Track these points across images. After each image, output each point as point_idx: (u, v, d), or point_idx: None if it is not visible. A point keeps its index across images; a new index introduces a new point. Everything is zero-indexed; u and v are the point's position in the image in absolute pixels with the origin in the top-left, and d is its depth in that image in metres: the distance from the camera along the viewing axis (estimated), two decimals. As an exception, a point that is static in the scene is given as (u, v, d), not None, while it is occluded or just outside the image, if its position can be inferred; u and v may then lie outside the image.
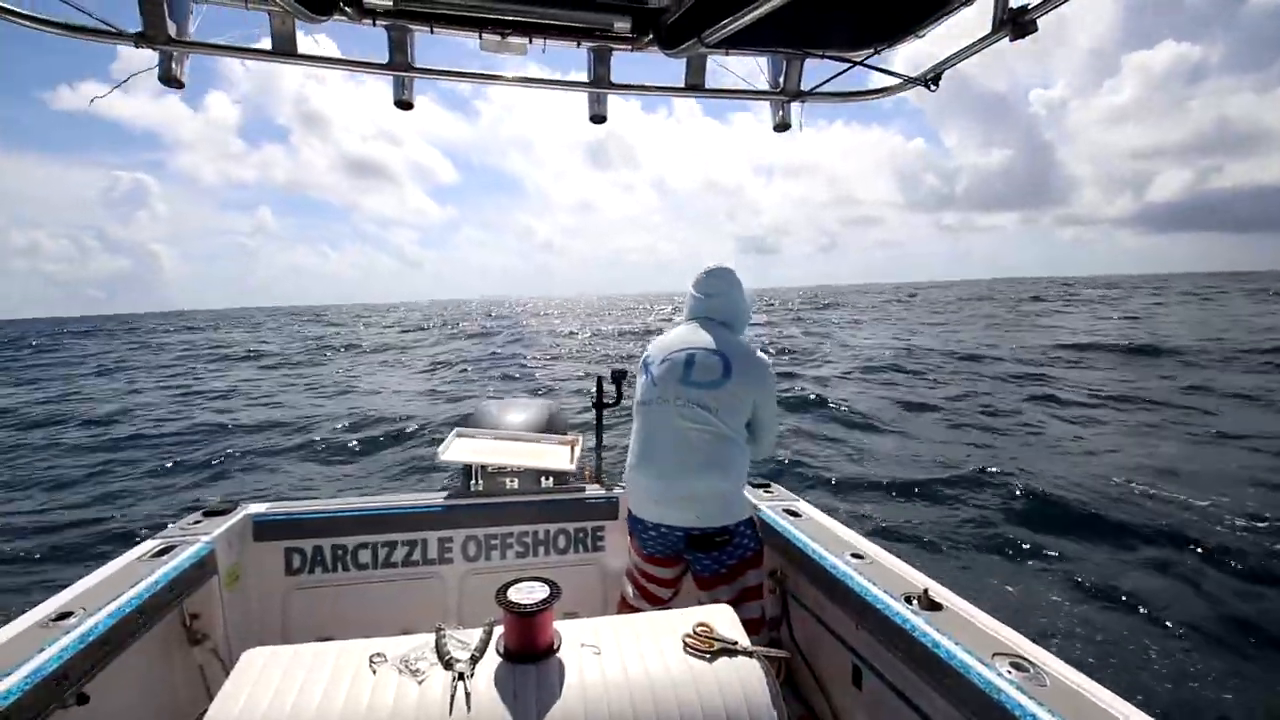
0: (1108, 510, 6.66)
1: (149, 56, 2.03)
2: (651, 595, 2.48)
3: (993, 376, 15.68)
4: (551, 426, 4.04)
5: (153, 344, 43.76)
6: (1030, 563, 5.73)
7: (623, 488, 2.88)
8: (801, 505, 2.66)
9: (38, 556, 6.47)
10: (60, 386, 21.36)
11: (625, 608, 2.52)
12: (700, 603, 2.30)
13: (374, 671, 1.37)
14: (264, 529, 2.52)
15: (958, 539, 6.19)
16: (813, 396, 13.41)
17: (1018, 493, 7.20)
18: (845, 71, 2.20)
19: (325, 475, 9.06)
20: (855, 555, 2.18)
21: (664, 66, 2.40)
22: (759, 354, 2.35)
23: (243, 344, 38.75)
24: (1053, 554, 5.84)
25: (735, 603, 2.24)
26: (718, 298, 2.44)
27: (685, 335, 2.38)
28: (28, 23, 1.87)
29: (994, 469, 7.99)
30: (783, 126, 2.44)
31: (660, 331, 2.60)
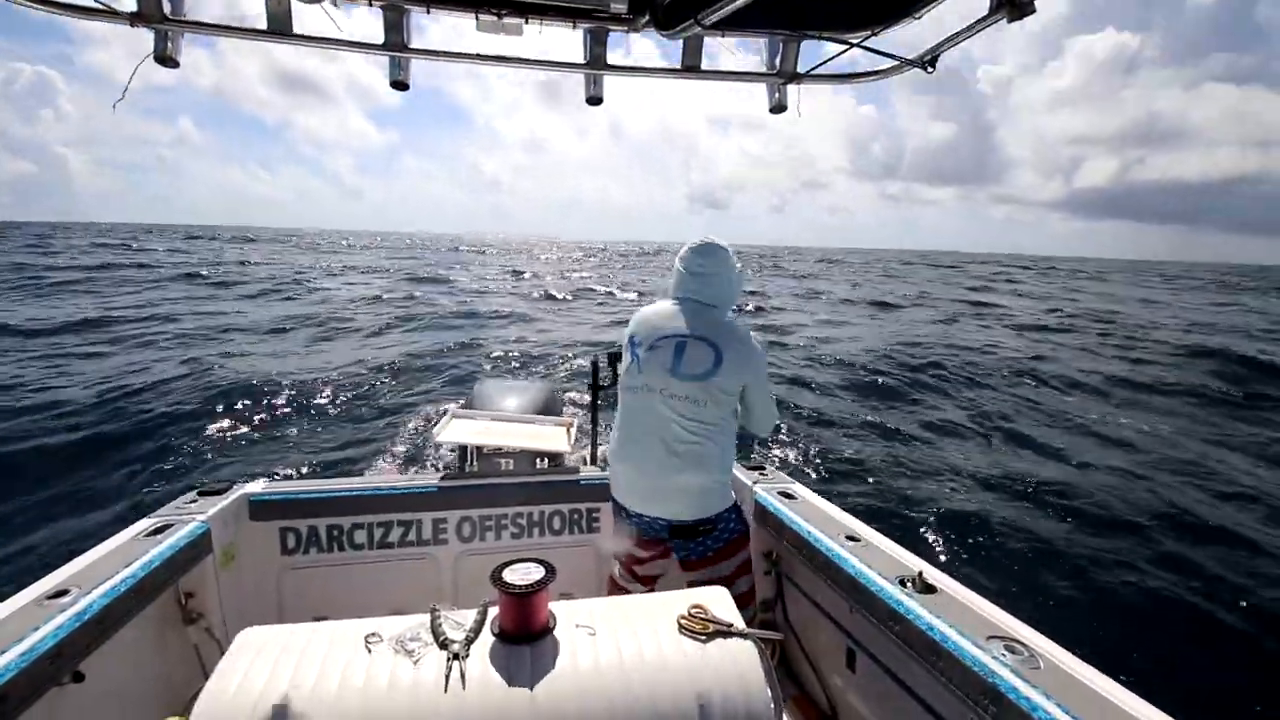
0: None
1: (144, 35, 2.01)
2: (638, 575, 2.49)
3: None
4: (548, 408, 4.05)
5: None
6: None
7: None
8: (796, 488, 2.68)
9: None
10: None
11: (614, 587, 2.54)
12: (688, 583, 2.31)
13: (369, 651, 1.37)
14: (259, 509, 2.52)
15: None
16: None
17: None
18: (842, 53, 2.19)
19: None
20: (850, 538, 2.19)
21: (661, 48, 2.35)
22: (749, 337, 2.27)
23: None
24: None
25: (722, 580, 2.26)
26: (707, 277, 2.32)
27: (673, 318, 2.28)
28: (22, 2, 1.85)
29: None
30: (779, 108, 2.42)
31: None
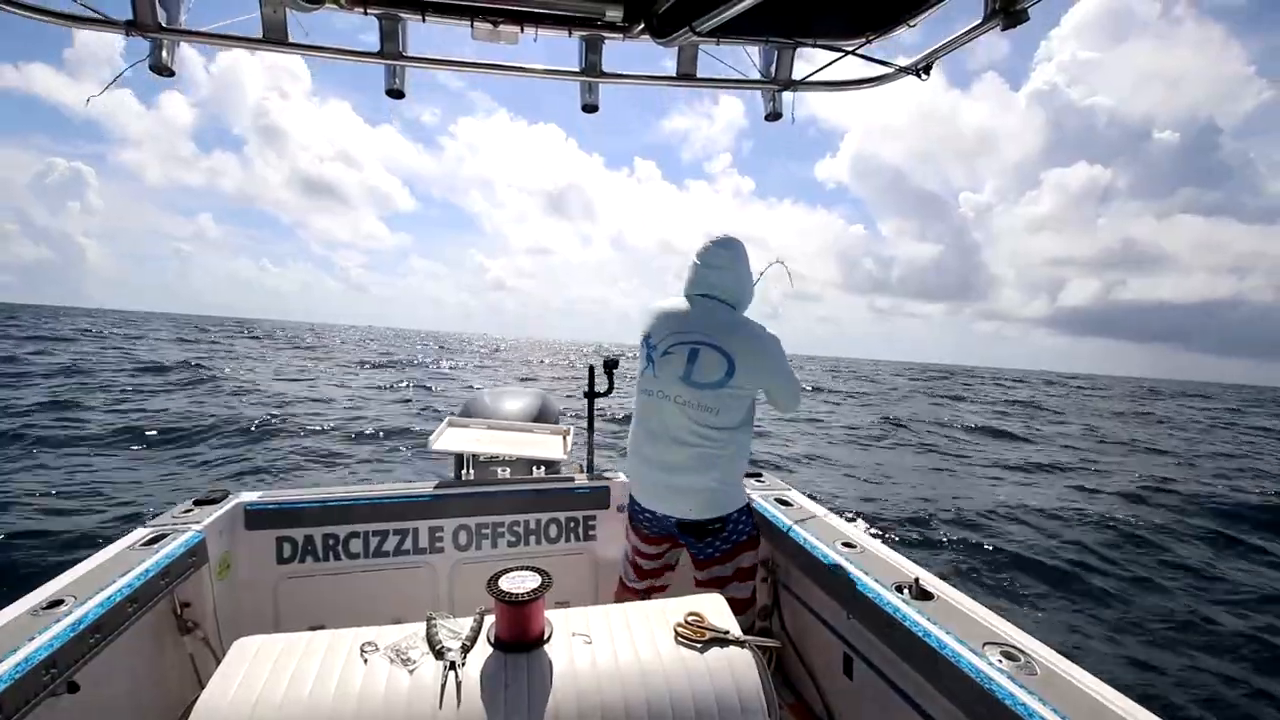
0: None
1: (139, 45, 2.01)
2: (646, 572, 2.48)
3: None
4: (544, 416, 4.04)
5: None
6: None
7: (613, 477, 2.89)
8: (793, 494, 2.67)
9: None
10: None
11: (624, 590, 2.53)
12: (696, 580, 2.31)
13: (365, 661, 1.37)
14: (255, 518, 2.51)
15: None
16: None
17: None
18: (837, 61, 2.20)
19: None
20: (846, 544, 2.19)
21: (656, 56, 2.36)
22: (763, 336, 2.22)
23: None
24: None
25: (727, 581, 2.26)
26: (723, 271, 2.26)
27: (686, 317, 2.24)
28: (19, 10, 1.85)
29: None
30: (774, 116, 2.43)
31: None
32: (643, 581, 2.49)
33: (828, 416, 21.62)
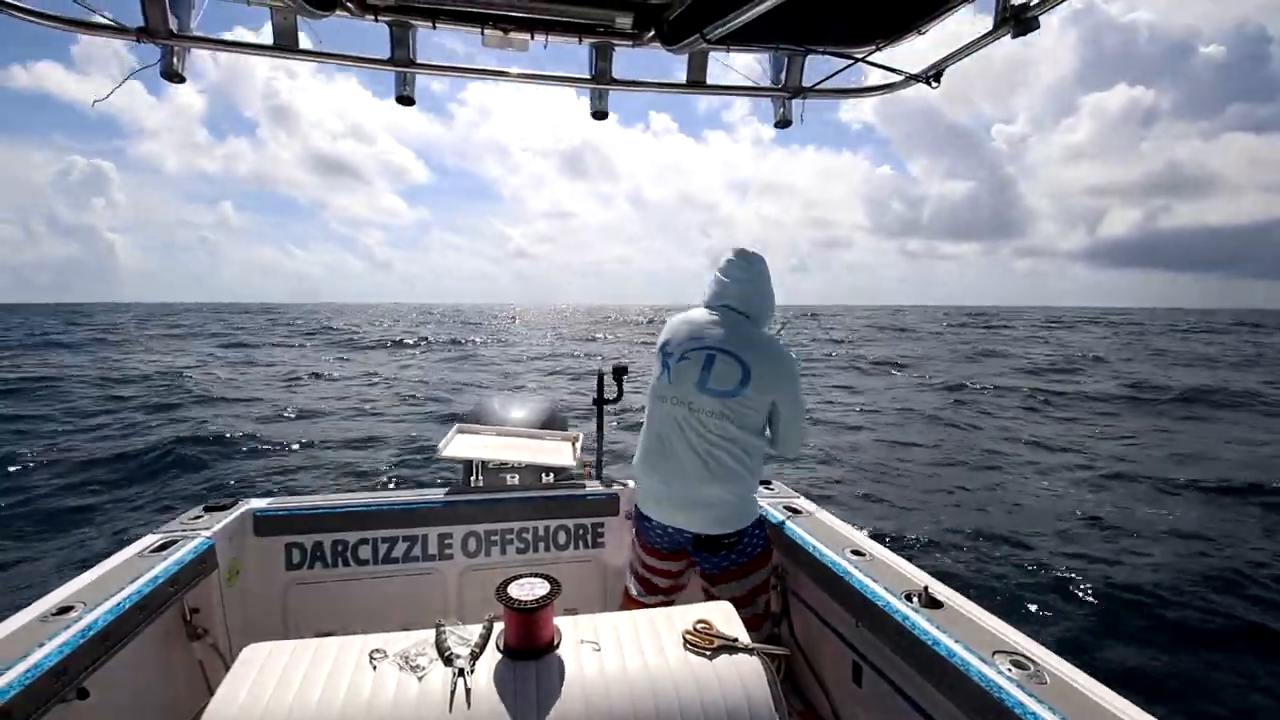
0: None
1: (151, 52, 2.03)
2: (655, 587, 2.44)
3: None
4: (552, 423, 4.04)
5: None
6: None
7: (623, 484, 2.88)
8: (802, 502, 2.67)
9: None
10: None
11: (630, 603, 2.50)
12: (708, 596, 2.29)
13: (374, 667, 1.37)
14: (264, 524, 2.52)
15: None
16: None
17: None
18: (847, 68, 2.20)
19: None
20: (855, 552, 2.18)
21: (666, 63, 2.37)
22: (782, 353, 2.22)
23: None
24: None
25: (741, 598, 2.23)
26: (743, 284, 2.27)
27: (705, 327, 2.24)
28: (31, 18, 1.86)
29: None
30: (784, 123, 2.43)
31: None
32: (653, 597, 2.44)
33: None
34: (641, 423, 2.40)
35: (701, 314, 2.30)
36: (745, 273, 2.28)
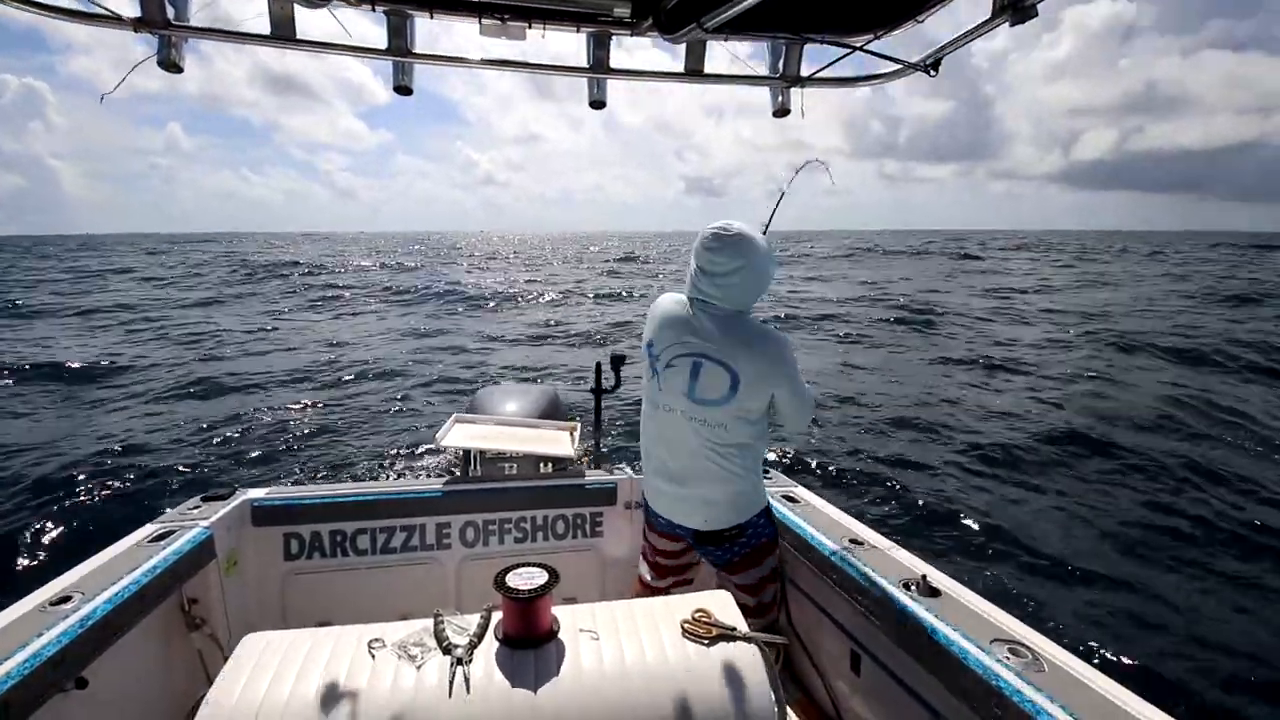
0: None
1: (147, 41, 2.02)
2: (665, 569, 2.41)
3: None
4: (551, 412, 4.05)
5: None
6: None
7: (622, 473, 2.89)
8: (799, 491, 2.67)
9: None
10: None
11: (644, 589, 2.47)
12: (719, 584, 2.30)
13: (372, 656, 1.37)
14: (262, 514, 2.52)
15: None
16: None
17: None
18: (845, 57, 2.19)
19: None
20: (853, 541, 2.19)
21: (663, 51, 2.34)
22: (769, 346, 2.06)
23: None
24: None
25: (752, 586, 2.23)
26: (724, 276, 2.04)
27: (687, 328, 2.09)
28: (24, 6, 1.85)
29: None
30: (782, 112, 2.42)
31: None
32: (665, 579, 2.42)
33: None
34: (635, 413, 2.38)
35: (682, 310, 2.14)
36: (725, 262, 2.03)
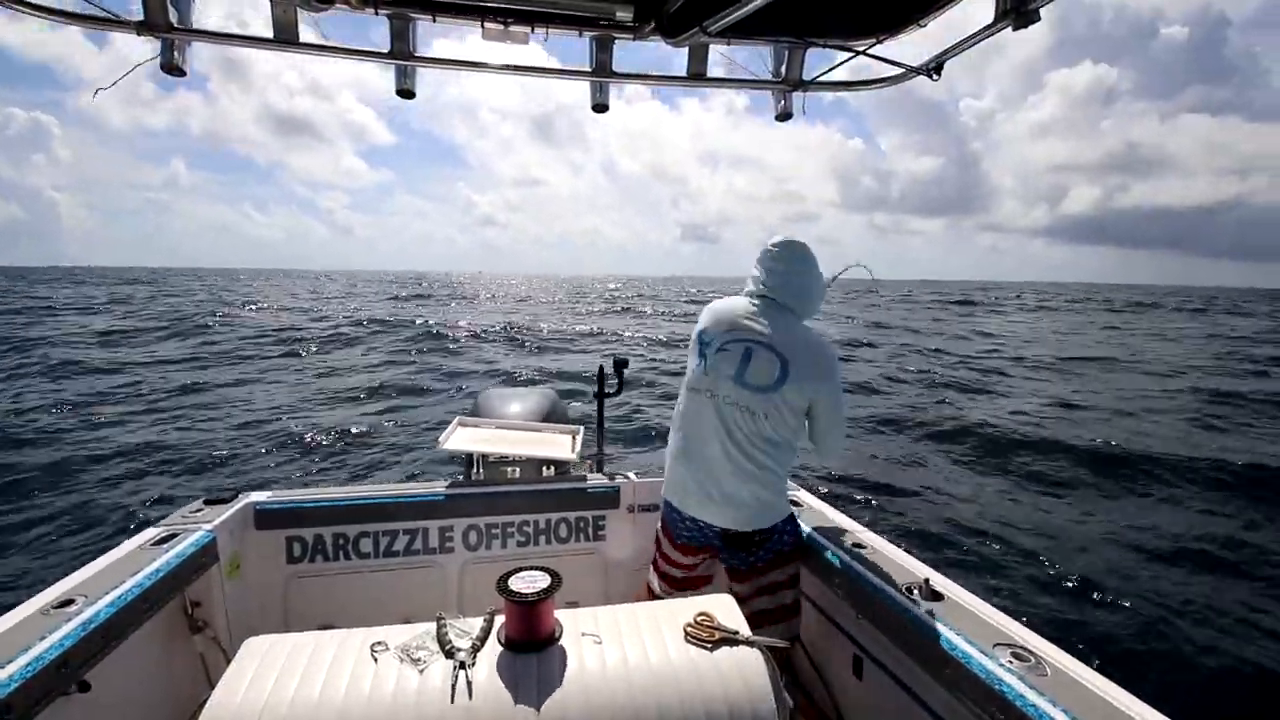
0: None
1: (151, 44, 2.02)
2: (676, 581, 2.39)
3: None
4: (553, 416, 4.04)
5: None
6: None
7: (624, 477, 2.88)
8: (802, 495, 2.67)
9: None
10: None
11: (651, 599, 2.43)
12: (732, 594, 2.29)
13: (375, 660, 1.37)
14: (265, 518, 2.52)
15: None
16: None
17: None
18: (847, 61, 2.20)
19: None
20: (856, 545, 2.18)
21: (667, 56, 2.35)
22: (824, 351, 2.13)
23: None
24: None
25: (765, 586, 2.23)
26: (784, 275, 2.17)
27: (745, 318, 2.16)
28: (28, 10, 1.86)
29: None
30: (784, 116, 2.43)
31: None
32: (676, 593, 2.36)
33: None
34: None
35: (743, 303, 2.22)
36: (785, 263, 2.18)
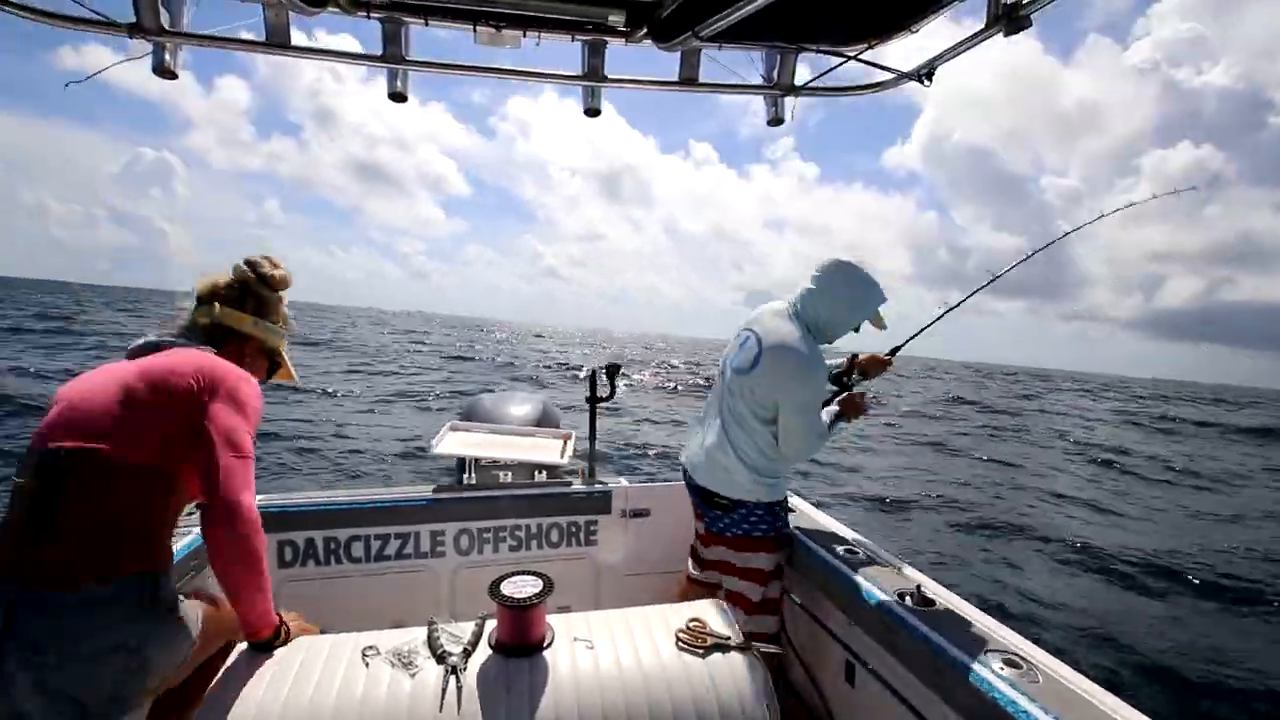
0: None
1: (142, 48, 2.01)
2: (708, 563, 2.46)
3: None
4: (545, 421, 4.04)
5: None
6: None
7: (616, 482, 2.89)
8: (795, 501, 2.67)
9: None
10: None
11: (690, 585, 2.54)
12: (696, 554, 2.41)
13: (366, 664, 1.36)
14: None
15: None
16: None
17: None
18: (839, 66, 2.20)
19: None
20: (849, 551, 2.18)
21: (659, 61, 2.36)
22: (798, 354, 2.17)
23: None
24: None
25: (733, 570, 2.30)
26: (807, 288, 2.26)
27: (762, 314, 2.34)
28: (20, 12, 1.85)
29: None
30: (776, 121, 2.43)
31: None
32: (704, 572, 2.50)
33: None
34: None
35: (774, 305, 2.39)
36: (817, 281, 2.26)
